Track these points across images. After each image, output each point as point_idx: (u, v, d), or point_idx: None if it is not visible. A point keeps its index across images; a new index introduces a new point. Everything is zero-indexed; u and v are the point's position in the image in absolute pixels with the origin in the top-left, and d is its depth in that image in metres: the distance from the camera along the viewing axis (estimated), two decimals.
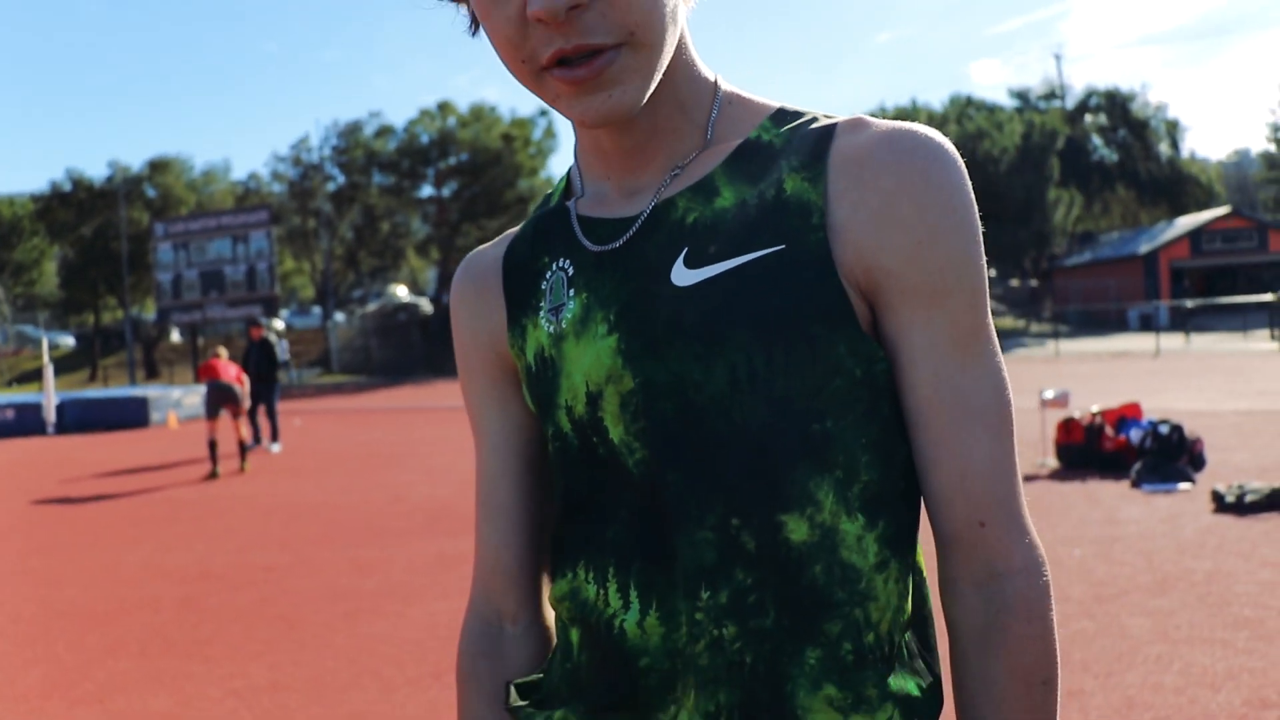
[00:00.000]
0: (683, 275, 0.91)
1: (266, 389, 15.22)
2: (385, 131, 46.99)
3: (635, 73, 0.86)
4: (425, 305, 44.97)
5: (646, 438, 0.91)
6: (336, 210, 47.64)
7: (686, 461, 0.90)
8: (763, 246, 0.89)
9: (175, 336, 51.34)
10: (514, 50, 0.86)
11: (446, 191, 46.50)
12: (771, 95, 1.01)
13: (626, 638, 0.93)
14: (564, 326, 0.97)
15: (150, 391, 23.99)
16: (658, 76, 0.89)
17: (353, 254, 49.45)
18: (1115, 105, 56.95)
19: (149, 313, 50.22)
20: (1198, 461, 8.68)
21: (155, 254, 39.25)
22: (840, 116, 0.95)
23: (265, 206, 40.35)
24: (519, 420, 1.08)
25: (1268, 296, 30.12)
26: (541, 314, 1.00)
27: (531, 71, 0.86)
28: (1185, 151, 63.04)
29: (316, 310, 56.26)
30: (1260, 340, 31.02)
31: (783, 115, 0.98)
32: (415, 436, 16.47)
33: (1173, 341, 31.63)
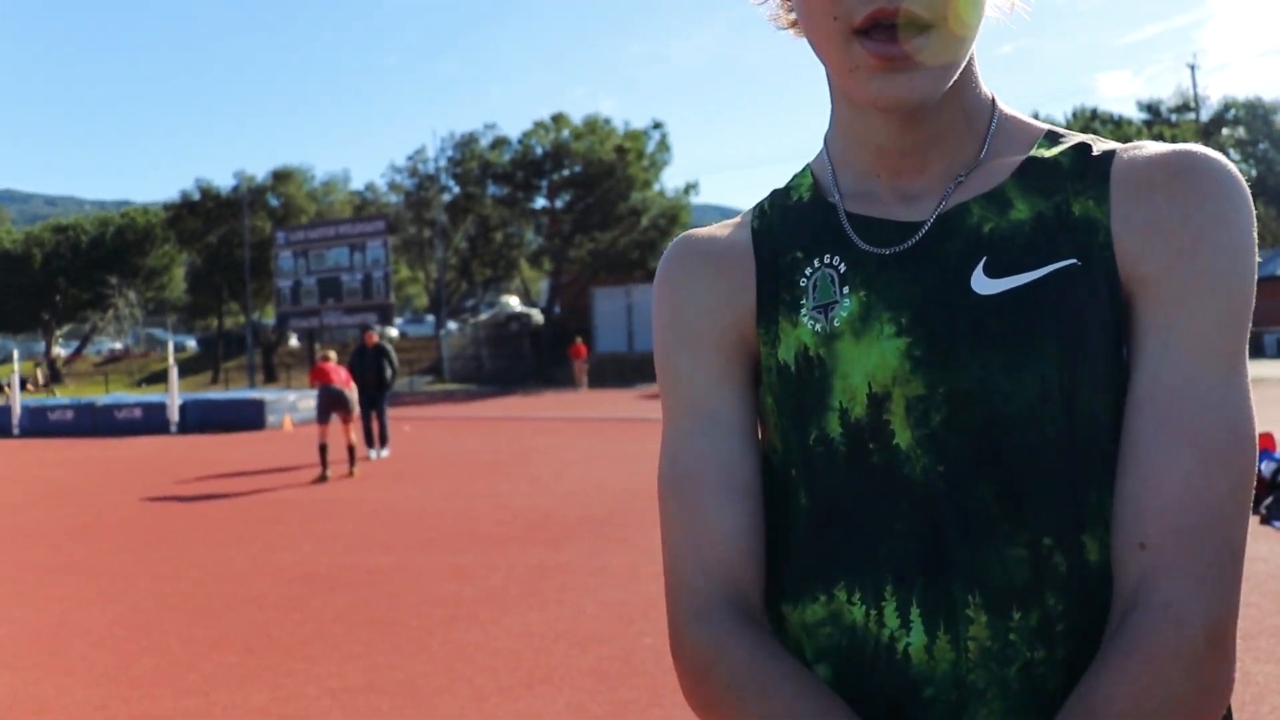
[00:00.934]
0: (984, 284, 0.89)
1: (381, 395, 15.35)
2: (500, 143, 47.67)
3: (941, 59, 0.85)
4: (537, 316, 45.49)
5: (937, 446, 0.88)
6: (451, 221, 48.50)
7: (997, 475, 0.86)
8: (1060, 259, 0.88)
9: (294, 341, 52.89)
10: (831, 3, 0.84)
11: (560, 203, 46.95)
12: None
13: (911, 664, 0.86)
14: (837, 325, 0.93)
15: (267, 395, 24.74)
16: (958, 70, 0.88)
17: (466, 264, 50.29)
18: (1256, 117, 54.49)
19: (269, 318, 51.82)
20: None
21: (276, 261, 40.54)
22: (1112, 143, 0.95)
23: (382, 216, 41.38)
24: (754, 406, 1.01)
25: None
26: (804, 312, 0.96)
27: (842, 31, 0.84)
28: None
29: (430, 319, 57.46)
30: None
31: (1054, 136, 0.97)
32: (522, 446, 16.61)
33: None
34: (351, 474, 12.97)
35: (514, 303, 50.94)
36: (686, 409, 1.00)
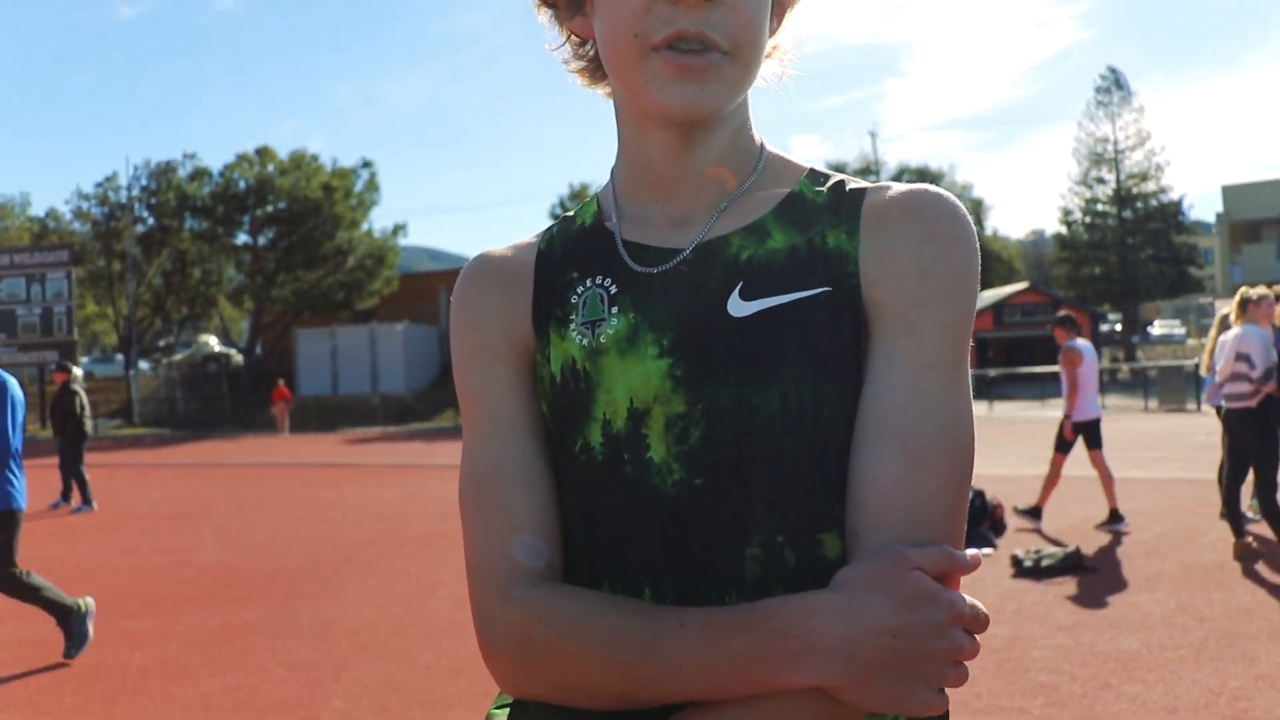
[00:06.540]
0: (739, 306, 0.99)
1: (65, 442, 13.74)
2: (200, 174, 45.28)
3: (729, 81, 0.97)
4: (236, 356, 43.31)
5: (694, 459, 0.97)
6: (145, 254, 45.51)
7: (743, 481, 0.95)
8: (811, 287, 0.99)
9: None
10: (634, 22, 0.94)
11: (263, 240, 45.04)
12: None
13: None
14: (603, 341, 1.02)
15: None
16: (740, 96, 1.00)
17: (161, 300, 47.25)
18: (924, 180, 59.96)
19: None
20: (999, 526, 8.88)
21: None
22: (863, 182, 1.05)
23: (66, 246, 38.19)
24: (538, 412, 1.08)
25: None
26: (573, 327, 1.05)
27: (640, 48, 0.95)
28: (989, 229, 66.95)
29: (119, 358, 53.38)
30: (1056, 408, 32.73)
31: (816, 175, 1.08)
32: (214, 495, 15.59)
33: (976, 409, 32.96)
34: None
35: (212, 342, 48.17)
36: (482, 417, 1.08)
